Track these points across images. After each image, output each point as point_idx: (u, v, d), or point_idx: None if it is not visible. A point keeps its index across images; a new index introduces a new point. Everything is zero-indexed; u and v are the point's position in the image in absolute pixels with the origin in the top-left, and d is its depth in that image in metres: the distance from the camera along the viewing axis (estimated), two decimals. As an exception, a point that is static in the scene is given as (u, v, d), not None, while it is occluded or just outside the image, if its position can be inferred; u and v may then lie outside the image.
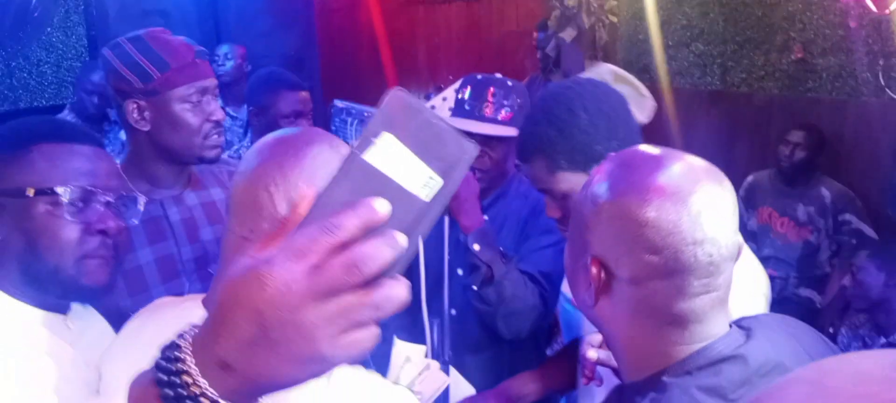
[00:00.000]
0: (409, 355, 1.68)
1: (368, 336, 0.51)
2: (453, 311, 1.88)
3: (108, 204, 1.15)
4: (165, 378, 0.52)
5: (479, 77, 1.95)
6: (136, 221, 1.24)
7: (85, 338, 1.20)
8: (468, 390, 1.82)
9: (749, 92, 3.86)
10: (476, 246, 1.74)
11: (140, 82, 1.58)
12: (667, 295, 0.87)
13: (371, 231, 0.51)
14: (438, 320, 1.90)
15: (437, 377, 1.67)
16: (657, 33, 4.13)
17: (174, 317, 0.98)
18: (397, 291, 0.51)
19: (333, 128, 2.59)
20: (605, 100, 1.40)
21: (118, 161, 1.74)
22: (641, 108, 2.08)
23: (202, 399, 0.51)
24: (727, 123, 3.93)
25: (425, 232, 0.55)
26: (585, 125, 1.36)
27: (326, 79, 5.80)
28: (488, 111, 1.87)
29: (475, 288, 1.76)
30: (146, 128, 1.61)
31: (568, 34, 4.07)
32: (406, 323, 1.98)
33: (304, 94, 2.54)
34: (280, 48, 5.65)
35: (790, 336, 0.97)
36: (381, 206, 0.51)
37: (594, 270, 0.90)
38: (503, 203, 1.94)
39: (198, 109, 1.61)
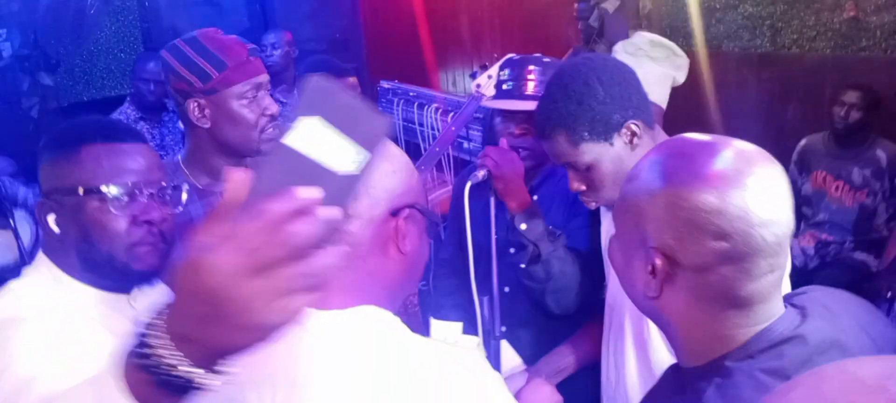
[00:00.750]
0: (445, 334, 1.74)
1: (301, 301, 0.60)
2: (506, 289, 1.93)
3: (151, 195, 1.27)
4: (144, 351, 0.63)
5: (517, 57, 1.97)
6: (180, 208, 1.38)
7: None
8: (518, 362, 1.88)
9: (800, 53, 3.76)
10: (523, 226, 1.78)
11: (200, 82, 1.67)
12: (734, 279, 0.89)
13: (298, 209, 0.58)
14: (488, 297, 1.95)
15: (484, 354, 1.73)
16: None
17: None
18: (328, 258, 0.60)
19: (380, 108, 2.65)
20: (617, 72, 1.47)
21: (180, 155, 1.85)
22: (678, 68, 2.11)
23: (176, 367, 0.62)
24: (779, 86, 3.84)
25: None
26: (602, 96, 1.42)
27: (371, 59, 5.85)
28: (528, 89, 1.89)
29: (523, 266, 1.81)
30: (206, 125, 1.70)
31: (611, 4, 4.01)
32: (460, 301, 2.05)
33: (352, 80, 2.61)
34: (325, 31, 5.74)
35: (844, 311, 0.98)
36: (303, 191, 0.59)
37: (658, 262, 0.91)
38: (552, 182, 1.96)
39: (254, 105, 1.70)
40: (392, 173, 1.02)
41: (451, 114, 3.64)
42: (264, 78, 1.74)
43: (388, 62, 5.45)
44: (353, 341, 0.94)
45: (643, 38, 2.14)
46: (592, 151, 1.45)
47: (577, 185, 1.52)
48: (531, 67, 1.91)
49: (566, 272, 1.76)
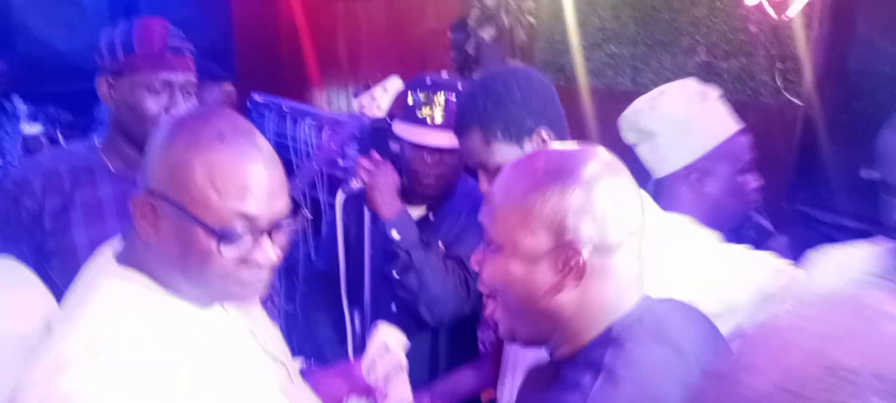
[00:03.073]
0: (387, 342, 1.65)
1: None
2: (393, 308, 1.89)
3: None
4: None
5: (429, 80, 1.92)
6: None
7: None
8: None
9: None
10: (395, 234, 1.77)
11: (108, 58, 1.73)
12: (634, 252, 1.03)
13: None
14: (358, 310, 1.92)
15: (405, 387, 1.64)
16: (573, 34, 4.25)
17: None
18: None
19: (251, 120, 2.57)
20: (537, 82, 1.54)
21: (98, 136, 1.84)
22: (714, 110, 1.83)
23: None
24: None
25: None
26: (519, 100, 1.48)
27: (244, 71, 5.67)
28: (441, 118, 1.85)
29: (396, 275, 1.79)
30: (111, 105, 1.76)
31: (487, 33, 4.13)
32: (332, 315, 2.00)
33: (228, 87, 2.55)
34: (196, 38, 5.49)
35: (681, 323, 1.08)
36: None
37: (581, 253, 0.99)
38: (450, 203, 1.96)
39: (159, 99, 1.71)
40: (169, 155, 1.06)
41: (326, 130, 3.57)
42: (181, 77, 1.68)
43: (262, 76, 5.30)
44: (88, 289, 1.11)
45: (691, 84, 1.90)
46: (503, 152, 1.50)
47: (487, 187, 1.54)
48: (444, 95, 1.87)
49: (439, 281, 1.76)
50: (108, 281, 1.11)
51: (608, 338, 1.00)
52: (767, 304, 1.39)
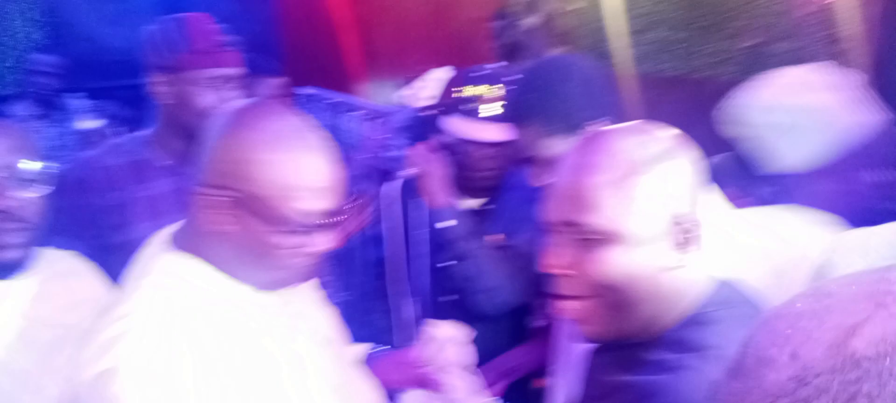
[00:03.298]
0: (449, 336, 1.64)
1: None
2: (453, 297, 1.89)
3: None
4: None
5: (477, 72, 1.88)
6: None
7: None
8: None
9: (709, 76, 3.95)
10: (447, 224, 1.77)
11: (166, 56, 1.76)
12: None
13: None
14: (411, 298, 1.93)
15: (465, 380, 1.63)
16: (619, 20, 4.18)
17: None
18: None
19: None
20: (596, 72, 1.49)
21: (149, 130, 1.88)
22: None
23: None
24: (688, 108, 4.01)
25: None
26: (579, 91, 1.43)
27: (290, 65, 5.74)
28: (491, 112, 1.82)
29: (450, 265, 1.79)
30: (169, 102, 1.79)
31: (531, 21, 4.09)
32: (384, 304, 2.01)
33: (283, 81, 2.60)
34: (243, 33, 5.57)
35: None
36: None
37: (680, 227, 1.00)
38: (507, 194, 1.94)
39: (215, 94, 1.76)
40: (231, 147, 1.05)
41: (372, 122, 3.60)
42: (233, 72, 1.74)
43: (308, 69, 5.35)
44: (143, 273, 1.13)
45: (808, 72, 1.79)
46: (562, 145, 1.45)
47: (541, 181, 1.49)
48: (495, 88, 1.83)
49: (494, 271, 1.75)
50: (162, 261, 1.15)
51: (699, 319, 0.99)
52: (781, 283, 1.30)
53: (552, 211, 1.04)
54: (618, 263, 0.98)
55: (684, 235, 0.98)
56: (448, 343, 1.63)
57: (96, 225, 1.76)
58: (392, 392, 1.61)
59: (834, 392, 0.44)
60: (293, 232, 1.09)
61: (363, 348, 1.55)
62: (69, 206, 1.77)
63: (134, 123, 3.95)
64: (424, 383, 1.60)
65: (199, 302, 1.11)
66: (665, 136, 1.01)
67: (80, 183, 1.78)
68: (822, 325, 0.47)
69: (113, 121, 3.77)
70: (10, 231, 1.24)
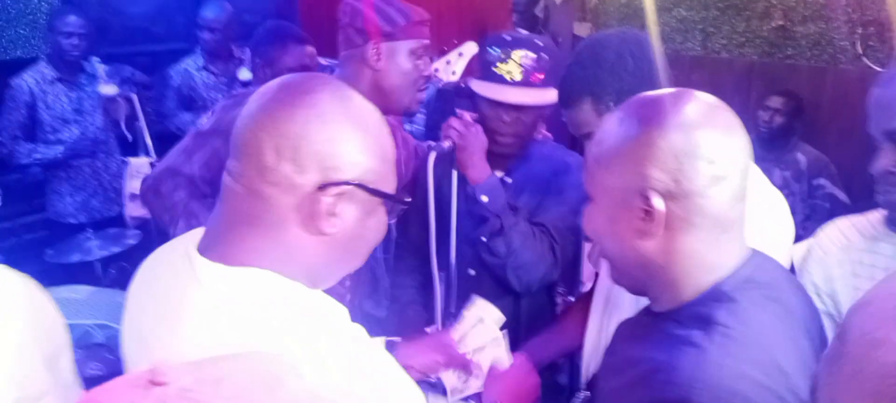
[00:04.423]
0: (483, 316, 1.66)
1: None
2: (472, 271, 1.89)
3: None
4: None
5: (507, 37, 1.84)
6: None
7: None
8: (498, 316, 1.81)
9: (729, 58, 3.93)
10: (484, 198, 1.76)
11: (387, 26, 1.76)
12: (724, 199, 0.97)
13: None
14: (444, 273, 1.93)
15: (501, 355, 1.64)
16: (640, -3, 4.17)
17: None
18: None
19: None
20: (647, 48, 1.45)
21: None
22: None
23: None
24: (708, 88, 4.00)
25: None
26: (632, 68, 1.41)
27: (308, 35, 5.72)
28: (520, 75, 1.79)
29: (484, 239, 1.79)
30: (380, 68, 1.77)
31: (553, -3, 4.08)
32: (419, 280, 2.01)
33: (311, 49, 2.56)
34: (259, 4, 5.54)
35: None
36: None
37: (656, 199, 0.96)
38: (527, 166, 1.91)
39: (418, 63, 1.79)
40: (328, 140, 0.89)
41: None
42: (427, 43, 1.82)
43: (325, 40, 5.33)
44: (213, 296, 0.87)
45: None
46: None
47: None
48: (522, 51, 1.80)
49: (528, 247, 1.75)
50: (241, 283, 0.90)
51: (718, 294, 0.98)
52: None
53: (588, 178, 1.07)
54: (595, 220, 1.05)
55: (643, 208, 0.96)
56: (482, 323, 1.65)
57: None
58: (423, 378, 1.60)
59: None
60: (387, 214, 0.99)
61: (379, 340, 1.49)
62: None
63: (151, 89, 3.95)
64: (461, 364, 1.60)
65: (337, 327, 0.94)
66: (677, 106, 0.98)
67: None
68: None
69: (136, 87, 3.76)
70: None
